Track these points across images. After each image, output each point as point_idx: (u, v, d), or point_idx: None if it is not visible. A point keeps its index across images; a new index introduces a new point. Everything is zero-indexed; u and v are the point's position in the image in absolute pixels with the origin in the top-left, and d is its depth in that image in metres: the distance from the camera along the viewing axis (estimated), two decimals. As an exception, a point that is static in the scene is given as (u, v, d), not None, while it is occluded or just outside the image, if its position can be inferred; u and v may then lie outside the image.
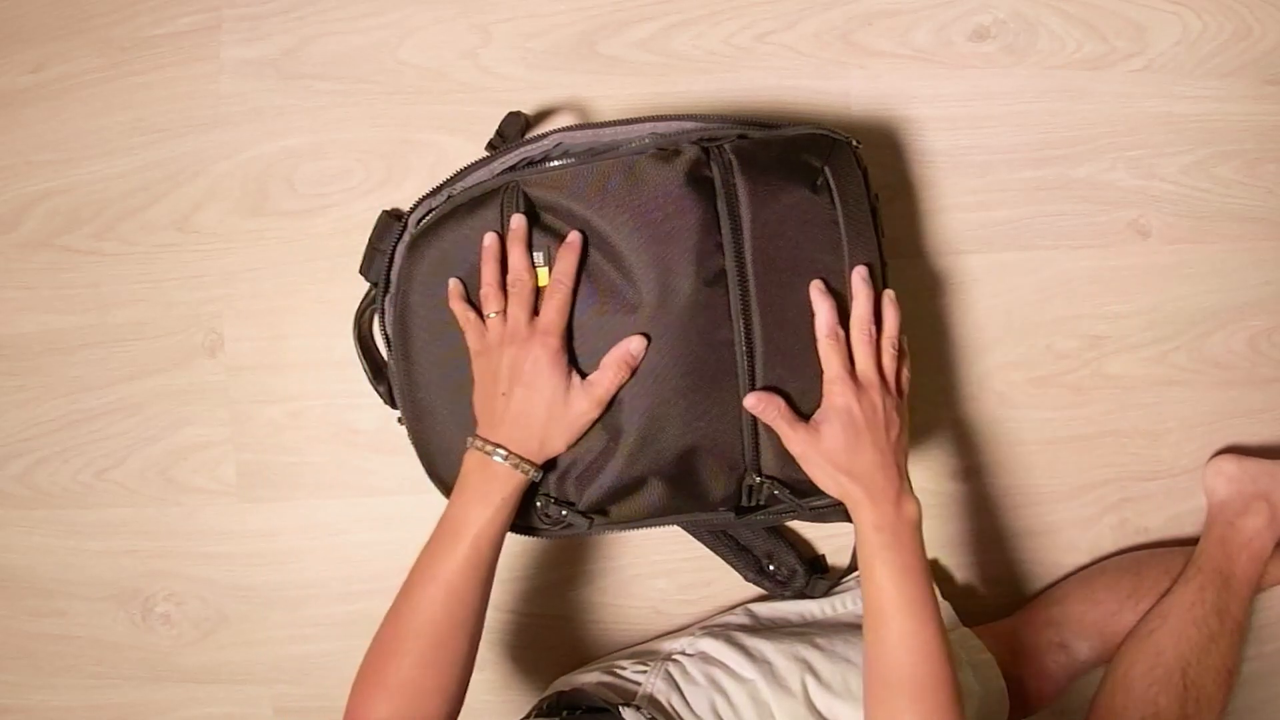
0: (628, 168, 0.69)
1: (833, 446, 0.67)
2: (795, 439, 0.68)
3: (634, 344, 0.67)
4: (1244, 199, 0.97)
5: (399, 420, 0.78)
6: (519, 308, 0.67)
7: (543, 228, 0.70)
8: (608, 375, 0.67)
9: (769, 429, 0.71)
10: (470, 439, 0.68)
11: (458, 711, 0.66)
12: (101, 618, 0.95)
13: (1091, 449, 0.97)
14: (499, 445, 0.66)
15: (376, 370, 0.85)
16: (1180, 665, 0.84)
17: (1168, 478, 0.98)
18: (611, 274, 0.69)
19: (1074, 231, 0.96)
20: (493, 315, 0.68)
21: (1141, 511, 0.98)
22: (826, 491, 0.70)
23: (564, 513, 0.71)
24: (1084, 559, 0.98)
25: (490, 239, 0.70)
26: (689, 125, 0.73)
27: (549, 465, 0.70)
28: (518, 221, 0.69)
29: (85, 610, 0.96)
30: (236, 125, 0.93)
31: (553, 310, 0.67)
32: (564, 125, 0.75)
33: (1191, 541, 0.95)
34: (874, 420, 0.67)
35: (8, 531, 0.95)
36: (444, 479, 0.76)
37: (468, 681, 0.67)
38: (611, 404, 0.69)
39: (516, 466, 0.66)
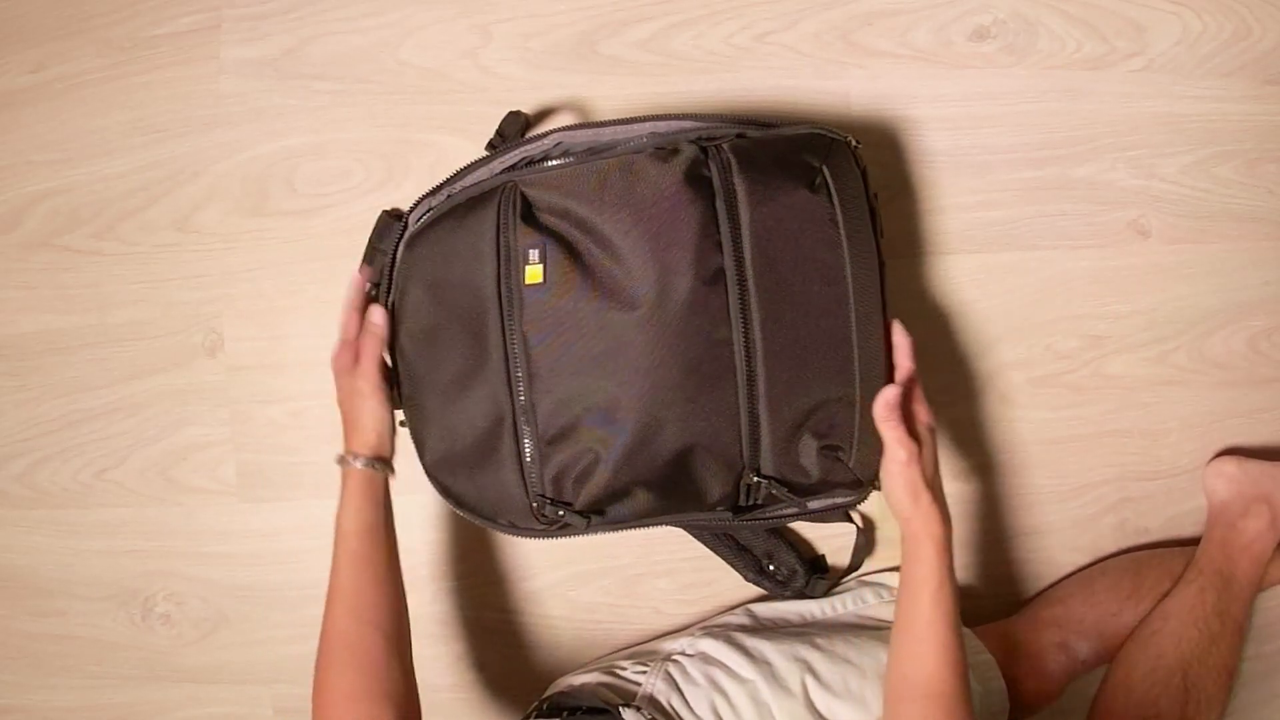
0: (627, 167, 0.69)
1: (928, 458, 0.73)
2: (908, 446, 0.72)
3: (375, 314, 0.76)
4: (1244, 199, 0.97)
5: (400, 423, 0.78)
6: (340, 347, 0.78)
7: (541, 227, 0.70)
8: (365, 359, 0.76)
9: (768, 428, 0.71)
10: (336, 459, 0.76)
11: (409, 673, 0.71)
12: (101, 618, 0.96)
13: (1091, 449, 0.97)
14: (351, 450, 0.75)
15: (376, 370, 0.85)
16: (1181, 666, 0.84)
17: (1168, 478, 0.98)
18: (610, 272, 0.69)
19: (1074, 231, 0.96)
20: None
21: (1141, 511, 0.98)
22: (899, 509, 0.72)
23: (561, 513, 0.71)
24: (1084, 559, 0.98)
25: (354, 279, 0.79)
26: (688, 125, 0.73)
27: (548, 465, 0.70)
28: (379, 316, 0.77)
29: (85, 610, 0.96)
30: (236, 125, 0.93)
31: (348, 352, 0.77)
32: (564, 125, 0.75)
33: (1192, 542, 0.95)
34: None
35: (8, 531, 0.95)
36: (443, 479, 0.76)
37: (406, 635, 0.72)
38: (610, 403, 0.68)
39: (363, 465, 0.74)
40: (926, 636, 0.69)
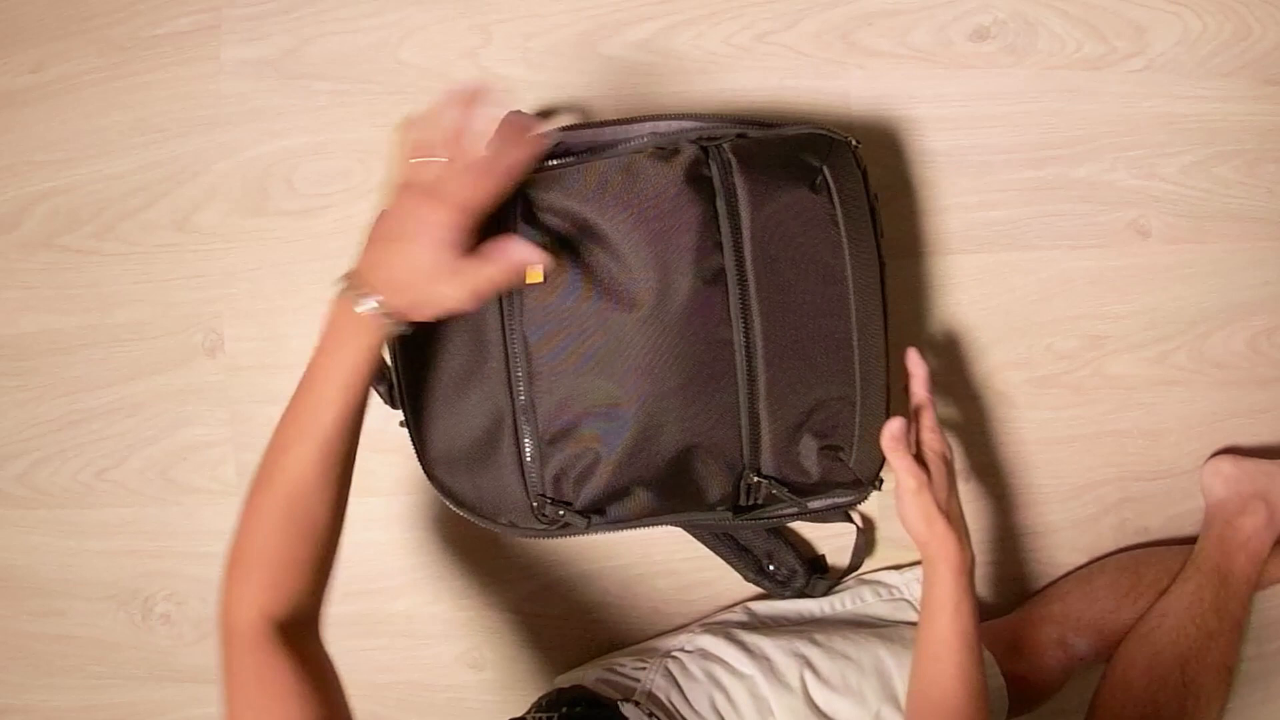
0: (627, 167, 0.69)
1: (939, 485, 0.74)
2: (916, 474, 0.73)
3: (520, 249, 0.61)
4: (1244, 199, 0.97)
5: (400, 423, 0.78)
6: (457, 169, 0.59)
7: (541, 227, 0.70)
8: (490, 272, 0.60)
9: (769, 428, 0.71)
10: (341, 280, 0.62)
11: (327, 582, 0.64)
12: (101, 618, 0.96)
13: (1091, 449, 0.97)
14: (376, 293, 0.60)
15: (376, 370, 0.84)
16: (1179, 663, 0.84)
17: (1168, 478, 0.98)
18: (611, 272, 0.69)
19: (1074, 231, 0.96)
20: (433, 160, 0.60)
21: (1141, 511, 0.98)
22: (914, 535, 0.73)
23: (561, 513, 0.71)
24: (1084, 559, 0.98)
25: (463, 89, 0.61)
26: (688, 125, 0.73)
27: (548, 465, 0.70)
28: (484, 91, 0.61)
29: (85, 610, 0.96)
30: (236, 125, 0.93)
31: (479, 183, 0.59)
32: (564, 125, 0.75)
33: (1191, 540, 0.95)
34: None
35: (8, 531, 0.95)
36: (443, 479, 0.76)
37: (335, 550, 0.64)
38: (610, 403, 0.68)
39: (384, 320, 0.61)
40: (944, 657, 0.71)
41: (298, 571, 0.61)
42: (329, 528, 0.63)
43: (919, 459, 0.75)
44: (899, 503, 0.74)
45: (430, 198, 0.59)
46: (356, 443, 0.64)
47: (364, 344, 0.61)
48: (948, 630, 0.71)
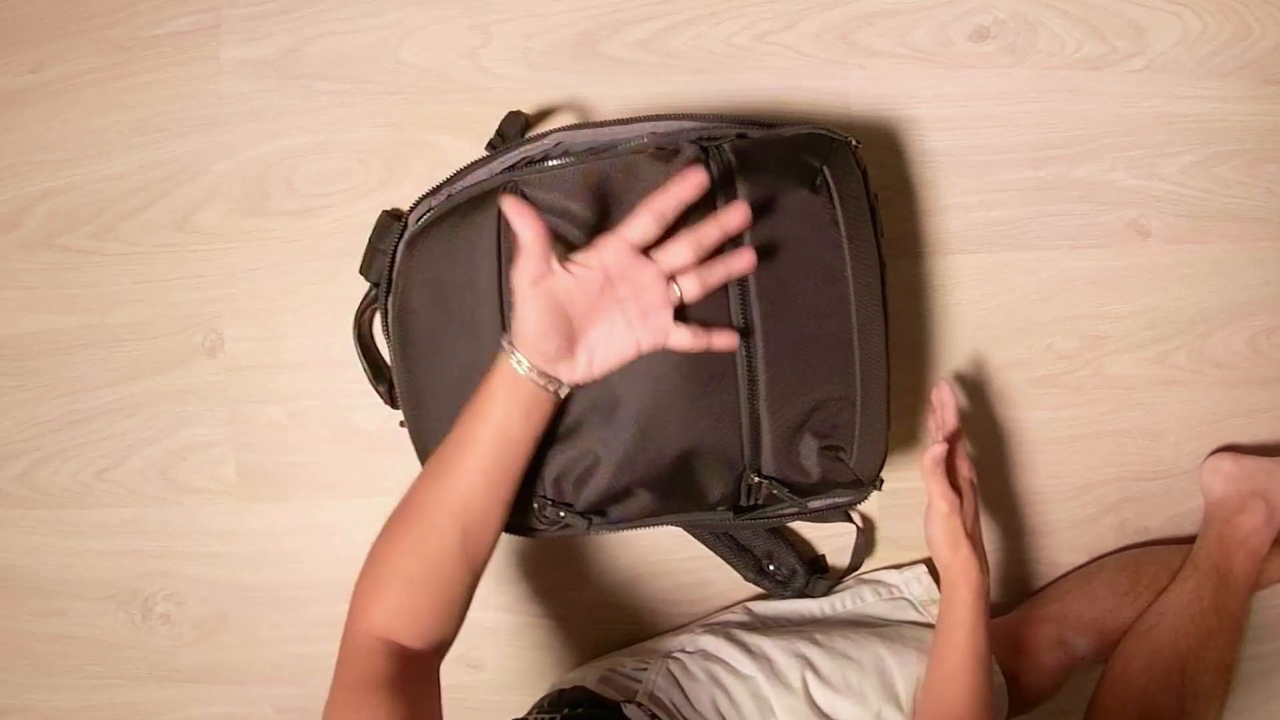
0: (627, 167, 0.69)
1: (968, 511, 0.77)
2: (950, 499, 0.76)
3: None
4: (1244, 199, 0.97)
5: (400, 423, 0.78)
6: (699, 275, 0.63)
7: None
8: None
9: (769, 429, 0.71)
10: (505, 339, 0.64)
11: (454, 630, 0.65)
12: (101, 618, 0.96)
13: (1091, 449, 0.97)
14: (531, 361, 0.62)
15: (376, 370, 0.85)
16: (1179, 662, 0.84)
17: (1168, 478, 0.98)
18: (611, 274, 0.69)
19: (1074, 231, 0.96)
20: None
21: (1141, 511, 0.98)
22: (938, 556, 0.77)
23: (562, 514, 0.71)
24: (1084, 559, 0.98)
25: (698, 177, 0.62)
26: (688, 125, 0.73)
27: (549, 466, 0.70)
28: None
29: (85, 610, 0.96)
30: (236, 125, 0.93)
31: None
32: (564, 125, 0.75)
33: (1191, 540, 0.95)
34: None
35: (8, 531, 0.95)
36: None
37: (473, 591, 0.65)
38: (611, 404, 0.68)
39: (538, 379, 0.63)
40: (958, 674, 0.73)
41: (428, 613, 0.63)
42: (463, 578, 0.64)
43: (952, 484, 0.77)
44: (928, 524, 0.77)
45: (648, 307, 0.63)
46: (505, 503, 0.65)
47: (518, 401, 0.63)
48: (964, 647, 0.74)
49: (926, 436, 0.96)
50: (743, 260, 0.64)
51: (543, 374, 0.63)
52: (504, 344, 0.64)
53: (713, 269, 0.64)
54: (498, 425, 0.63)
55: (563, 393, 0.65)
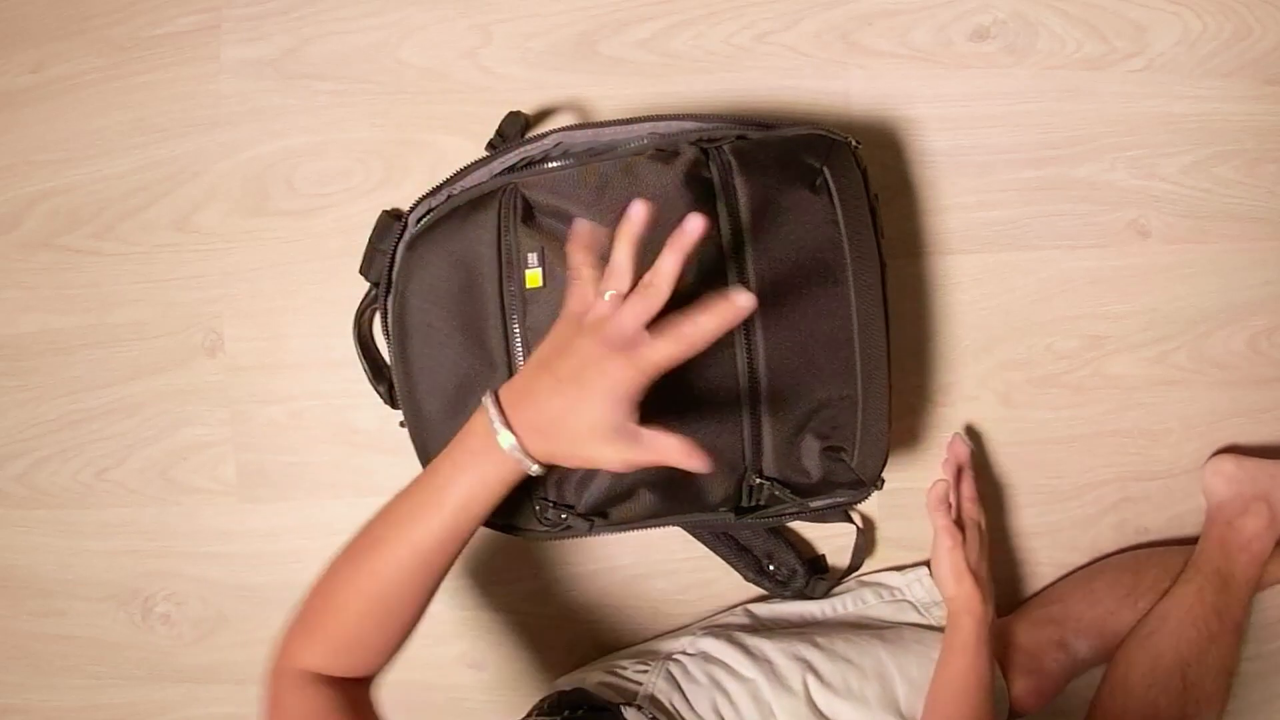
0: (627, 168, 0.69)
1: (971, 547, 0.83)
2: (953, 534, 0.83)
3: (687, 447, 0.57)
4: (1244, 199, 0.97)
5: (400, 424, 0.78)
6: (640, 311, 0.55)
7: (541, 230, 0.70)
8: (651, 455, 0.57)
9: (770, 430, 0.71)
10: (489, 398, 0.60)
11: (387, 665, 0.64)
12: (101, 618, 0.96)
13: (1091, 449, 0.97)
14: (514, 430, 0.58)
15: (376, 370, 0.85)
16: (1180, 666, 0.84)
17: (1168, 478, 0.98)
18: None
19: (1074, 231, 0.96)
20: (609, 295, 0.56)
21: (1141, 511, 0.98)
22: (943, 587, 0.83)
23: (563, 516, 0.71)
24: (1084, 559, 0.98)
25: (641, 212, 0.57)
26: (688, 125, 0.73)
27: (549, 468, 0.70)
28: (696, 225, 0.56)
29: (85, 610, 0.96)
30: (236, 125, 0.93)
31: (667, 350, 0.55)
32: (564, 125, 0.75)
33: (1191, 541, 0.95)
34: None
35: (8, 531, 0.95)
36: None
37: (409, 634, 0.63)
38: None
39: (521, 460, 0.59)
40: (958, 699, 0.77)
41: (362, 652, 0.62)
42: (405, 621, 0.62)
43: (957, 522, 0.84)
44: (934, 557, 0.83)
45: (621, 353, 0.55)
46: (453, 562, 0.62)
47: (491, 473, 0.59)
48: (965, 672, 0.78)
49: (927, 436, 0.96)
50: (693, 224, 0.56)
51: (531, 455, 0.58)
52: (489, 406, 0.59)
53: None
54: (462, 501, 0.59)
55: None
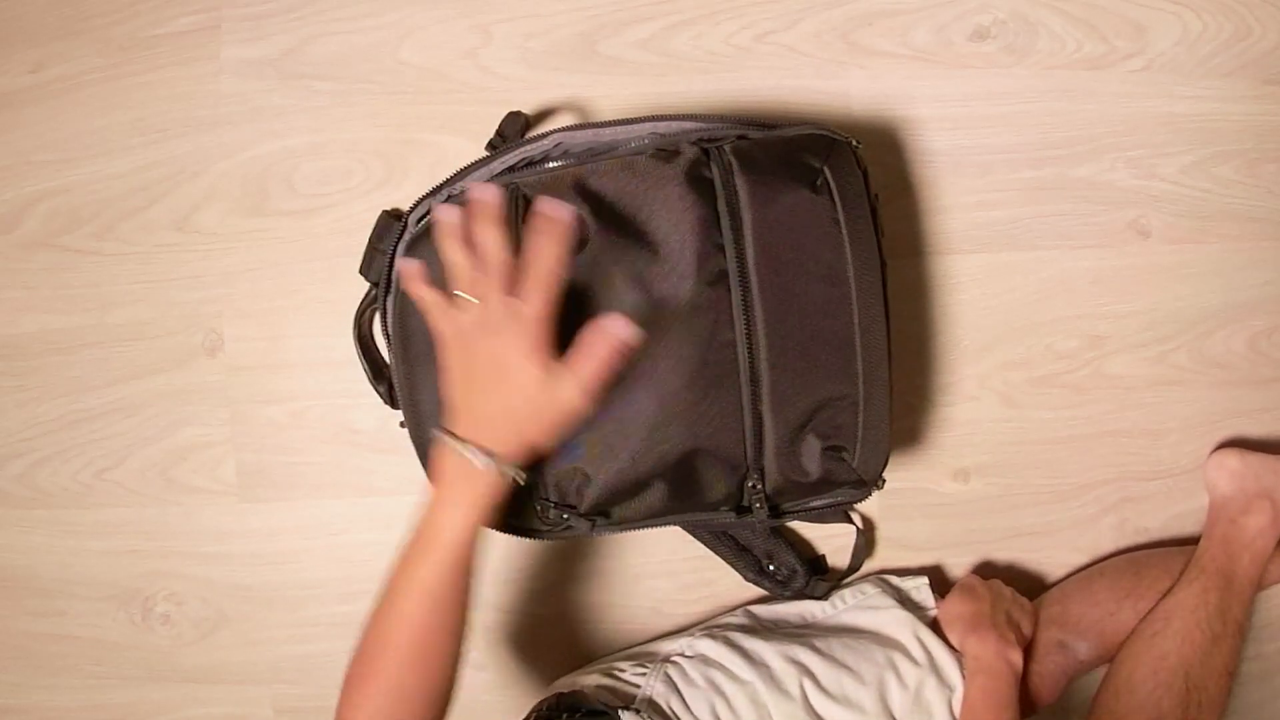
0: (627, 168, 0.69)
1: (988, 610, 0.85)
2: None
3: (615, 324, 0.62)
4: (1244, 199, 0.97)
5: (400, 424, 0.78)
6: (494, 292, 0.60)
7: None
8: (593, 361, 0.61)
9: (772, 429, 0.71)
10: (439, 432, 0.63)
11: (445, 711, 0.66)
12: (101, 618, 0.95)
13: (1091, 449, 0.97)
14: (478, 445, 0.61)
15: (376, 370, 0.85)
16: (1183, 668, 0.84)
17: (1168, 478, 0.98)
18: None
19: (1074, 231, 0.96)
20: (470, 299, 0.61)
21: (1141, 511, 0.98)
22: (954, 642, 0.85)
23: (565, 516, 0.71)
24: (1084, 559, 0.98)
25: (448, 215, 0.62)
26: (689, 125, 0.73)
27: (550, 468, 0.70)
28: (484, 193, 0.61)
29: (85, 610, 0.96)
30: (236, 125, 0.93)
31: (538, 295, 0.60)
32: (564, 125, 0.75)
33: (1192, 541, 0.95)
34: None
35: (8, 531, 0.95)
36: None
37: (455, 679, 0.66)
38: (610, 400, 0.68)
39: (498, 469, 0.62)
40: None
41: (410, 705, 0.63)
42: (443, 664, 0.64)
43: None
44: (946, 603, 0.87)
45: (501, 333, 0.60)
46: (468, 592, 0.65)
47: (473, 502, 0.62)
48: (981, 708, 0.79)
49: (927, 436, 0.96)
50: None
51: (506, 459, 0.62)
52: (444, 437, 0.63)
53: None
54: (458, 537, 0.63)
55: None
